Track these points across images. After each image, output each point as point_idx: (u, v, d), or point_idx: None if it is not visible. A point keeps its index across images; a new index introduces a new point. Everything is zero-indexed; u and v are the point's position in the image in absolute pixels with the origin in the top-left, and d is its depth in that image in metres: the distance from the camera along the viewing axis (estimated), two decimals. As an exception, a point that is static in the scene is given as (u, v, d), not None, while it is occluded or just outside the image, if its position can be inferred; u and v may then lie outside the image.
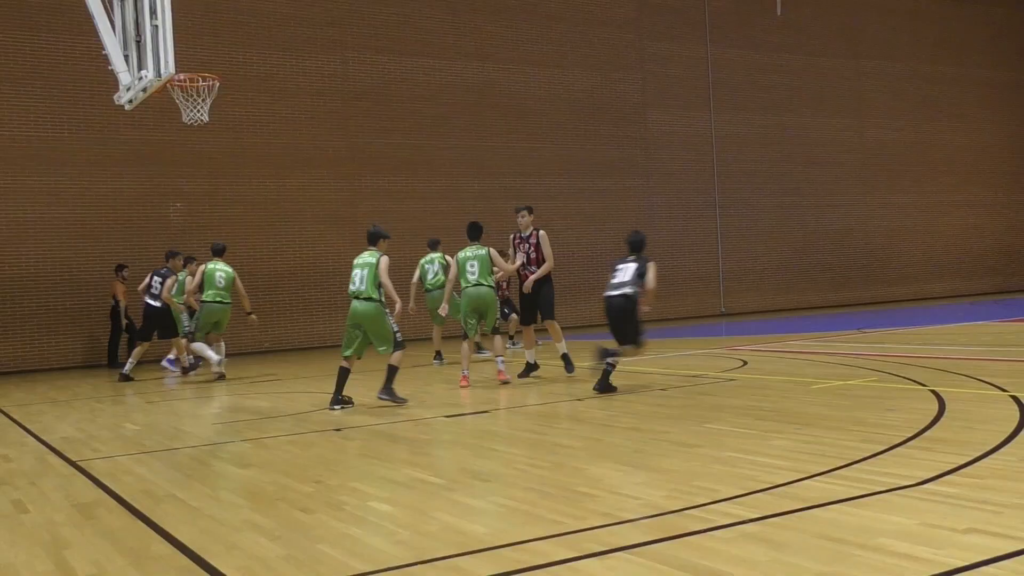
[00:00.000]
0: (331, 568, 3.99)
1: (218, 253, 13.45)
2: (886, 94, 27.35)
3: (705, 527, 4.28)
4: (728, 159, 24.65)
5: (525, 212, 11.44)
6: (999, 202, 29.28)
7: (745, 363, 11.65)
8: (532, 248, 11.20)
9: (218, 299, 13.14)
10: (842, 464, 5.41)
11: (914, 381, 8.88)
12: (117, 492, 5.85)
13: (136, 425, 9.18)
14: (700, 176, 24.26)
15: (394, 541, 4.36)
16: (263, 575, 3.96)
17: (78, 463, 7.02)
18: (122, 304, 17.26)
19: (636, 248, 9.79)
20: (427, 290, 14.04)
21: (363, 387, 11.45)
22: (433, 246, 14.43)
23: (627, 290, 9.42)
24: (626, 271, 9.59)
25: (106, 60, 10.89)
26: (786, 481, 5.06)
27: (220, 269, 13.24)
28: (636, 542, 4.10)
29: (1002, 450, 5.55)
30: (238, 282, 13.31)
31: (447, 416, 8.55)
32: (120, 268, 17.41)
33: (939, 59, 28.18)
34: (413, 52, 20.88)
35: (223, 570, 4.04)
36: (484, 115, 21.63)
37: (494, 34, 21.83)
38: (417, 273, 14.25)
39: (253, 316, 13.54)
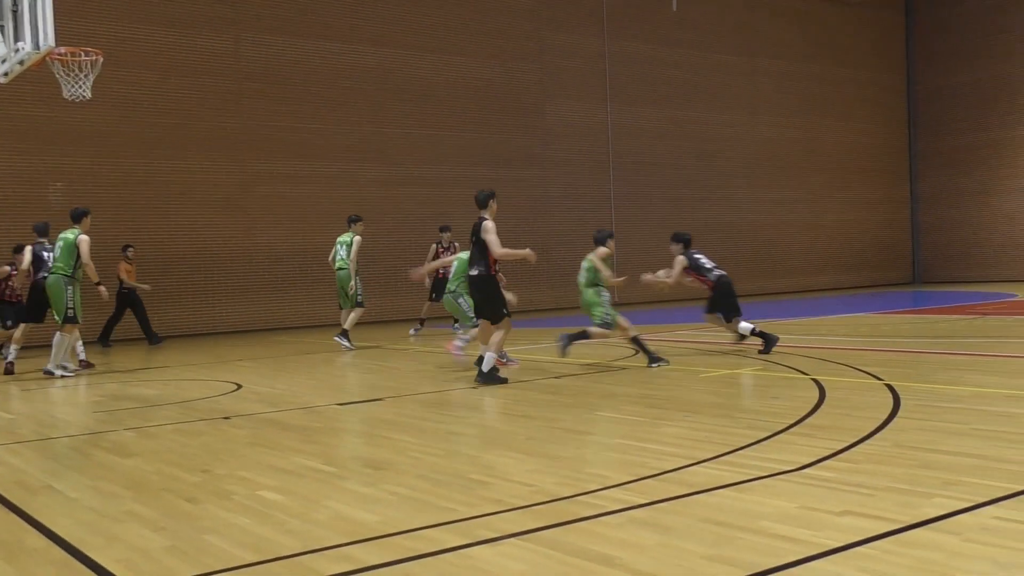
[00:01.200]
0: (217, 558, 3.90)
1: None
2: (776, 92, 28.17)
3: (595, 513, 4.35)
4: (623, 151, 25.01)
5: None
6: (878, 198, 30.54)
7: (637, 352, 11.85)
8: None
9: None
10: (728, 450, 5.56)
11: (797, 370, 9.19)
12: (-11, 483, 5.58)
13: (10, 414, 8.78)
14: (596, 168, 24.55)
15: (284, 530, 4.29)
16: (145, 567, 3.84)
17: (-54, 453, 6.68)
18: (127, 284, 16.63)
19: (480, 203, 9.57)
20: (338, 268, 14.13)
21: (254, 373, 11.23)
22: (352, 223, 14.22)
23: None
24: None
25: (-20, 30, 10.35)
26: (674, 467, 5.18)
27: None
28: (527, 528, 4.14)
29: (876, 436, 5.80)
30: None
31: (340, 404, 8.45)
32: (126, 248, 16.77)
33: (825, 59, 29.16)
34: (310, 34, 20.48)
35: (102, 563, 3.90)
36: (382, 100, 21.39)
37: (394, 19, 21.59)
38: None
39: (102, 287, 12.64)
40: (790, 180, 28.36)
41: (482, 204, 9.53)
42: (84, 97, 11.57)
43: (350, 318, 13.95)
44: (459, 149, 22.31)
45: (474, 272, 9.42)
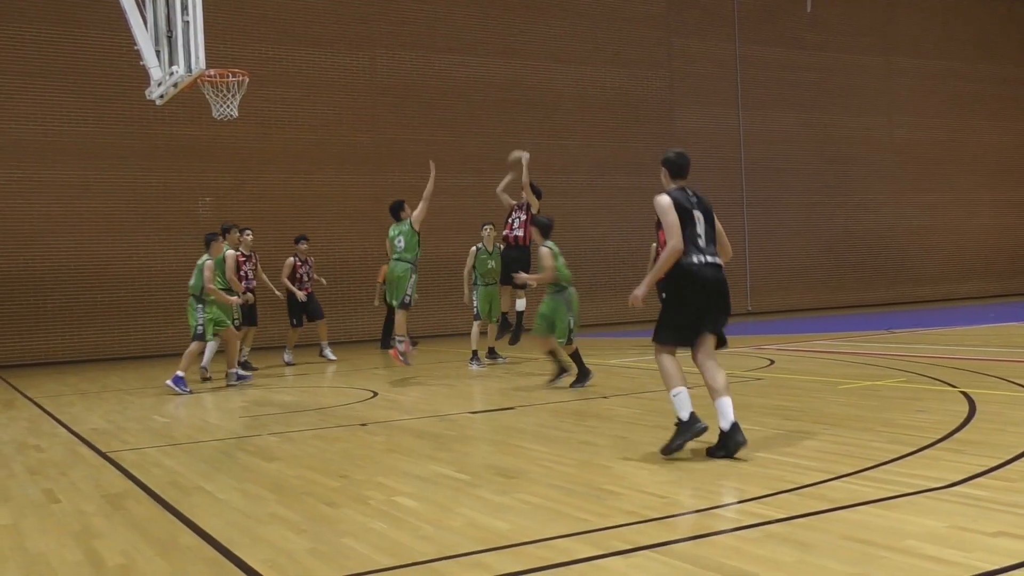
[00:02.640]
0: (356, 562, 4.01)
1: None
2: (916, 92, 27.06)
3: (731, 527, 4.26)
4: (756, 157, 24.49)
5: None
6: (1029, 200, 28.91)
7: (772, 362, 11.57)
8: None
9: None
10: (870, 465, 5.36)
11: (944, 382, 8.78)
12: (146, 483, 5.91)
13: (164, 417, 9.27)
14: (727, 174, 24.11)
15: (418, 536, 4.38)
16: (289, 568, 3.98)
17: (108, 454, 7.10)
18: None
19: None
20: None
21: (386, 382, 11.50)
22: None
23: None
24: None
25: (137, 55, 10.99)
26: (813, 482, 5.02)
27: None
28: (661, 541, 4.09)
29: (1034, 453, 5.48)
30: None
31: (472, 412, 8.56)
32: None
33: (970, 57, 27.83)
34: (441, 48, 20.91)
35: (249, 562, 4.07)
36: (511, 111, 21.61)
37: (521, 30, 21.81)
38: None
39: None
40: (934, 183, 27.16)
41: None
42: (231, 116, 12.12)
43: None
44: (587, 158, 22.30)
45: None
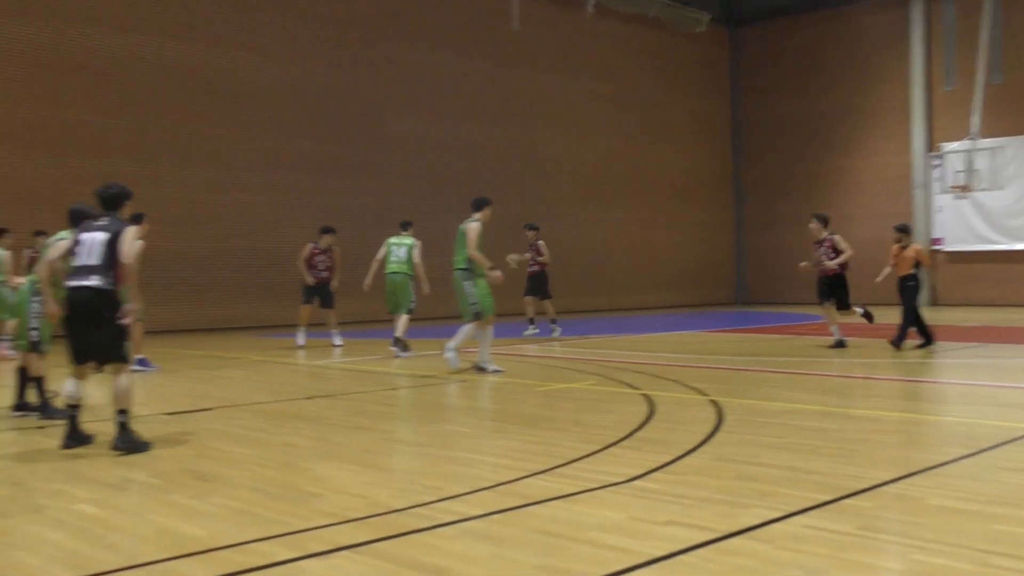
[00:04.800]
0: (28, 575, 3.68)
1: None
2: (609, 115, 28.97)
3: (429, 524, 4.36)
4: (459, 168, 25.01)
5: (815, 220, 14.10)
6: (704, 221, 31.92)
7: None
8: (829, 249, 13.59)
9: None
10: (561, 463, 5.70)
11: (629, 385, 9.50)
12: None
13: None
14: (434, 182, 24.42)
15: (102, 546, 4.10)
16: (-54, 587, 3.58)
17: None
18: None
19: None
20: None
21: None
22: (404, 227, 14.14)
23: None
24: None
25: None
26: (509, 479, 5.26)
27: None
28: (360, 541, 4.11)
29: (700, 449, 6.08)
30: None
31: (167, 414, 8.12)
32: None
33: (656, 86, 30.26)
34: (137, 29, 19.62)
35: None
36: (215, 102, 20.73)
37: (231, 19, 20.98)
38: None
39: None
40: (620, 201, 29.19)
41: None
42: None
43: (403, 325, 13.36)
44: (293, 156, 21.90)
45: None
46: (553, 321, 16.67)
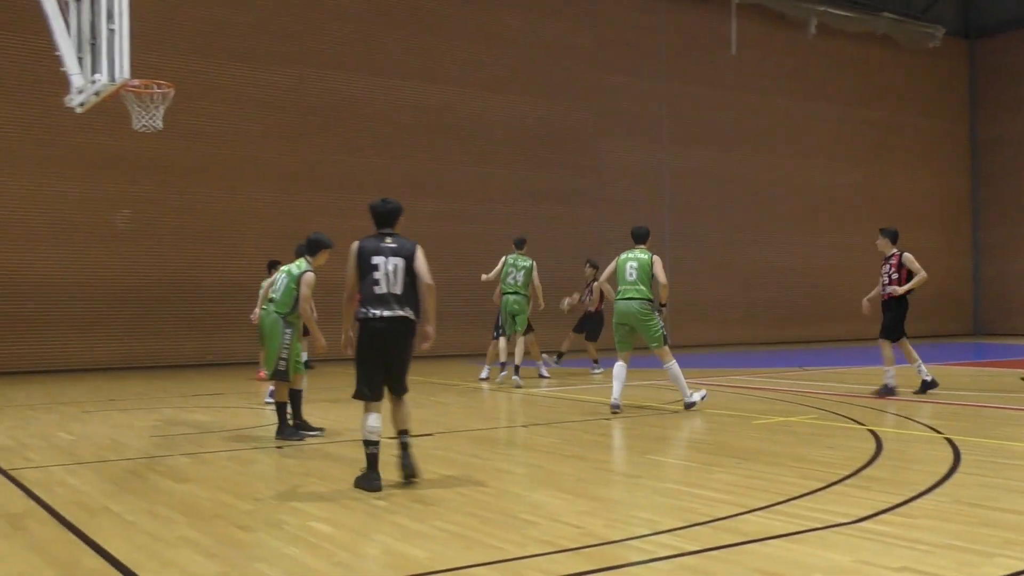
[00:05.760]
0: (268, 588, 3.94)
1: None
2: (833, 136, 27.93)
3: (644, 558, 4.31)
4: (679, 192, 24.94)
5: (881, 236, 12.26)
6: (938, 247, 30.00)
7: (688, 395, 11.75)
8: (894, 268, 11.89)
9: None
10: (781, 500, 5.48)
11: (853, 420, 9.03)
12: (48, 503, 5.71)
13: (71, 435, 8.97)
14: (651, 208, 24.47)
15: (333, 562, 4.32)
16: (198, 593, 3.89)
17: (9, 472, 6.84)
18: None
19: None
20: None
21: (309, 404, 11.34)
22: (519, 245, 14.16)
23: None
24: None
25: (58, 61, 10.71)
26: (726, 515, 5.11)
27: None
28: (576, 571, 4.11)
29: (935, 491, 5.67)
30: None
31: (390, 438, 8.48)
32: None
33: (885, 105, 28.87)
34: (370, 70, 20.85)
35: (156, 587, 3.96)
36: (439, 137, 21.64)
37: (451, 57, 21.90)
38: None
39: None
40: (847, 225, 28.00)
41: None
42: (155, 128, 11.87)
43: (525, 347, 13.62)
44: (515, 187, 22.44)
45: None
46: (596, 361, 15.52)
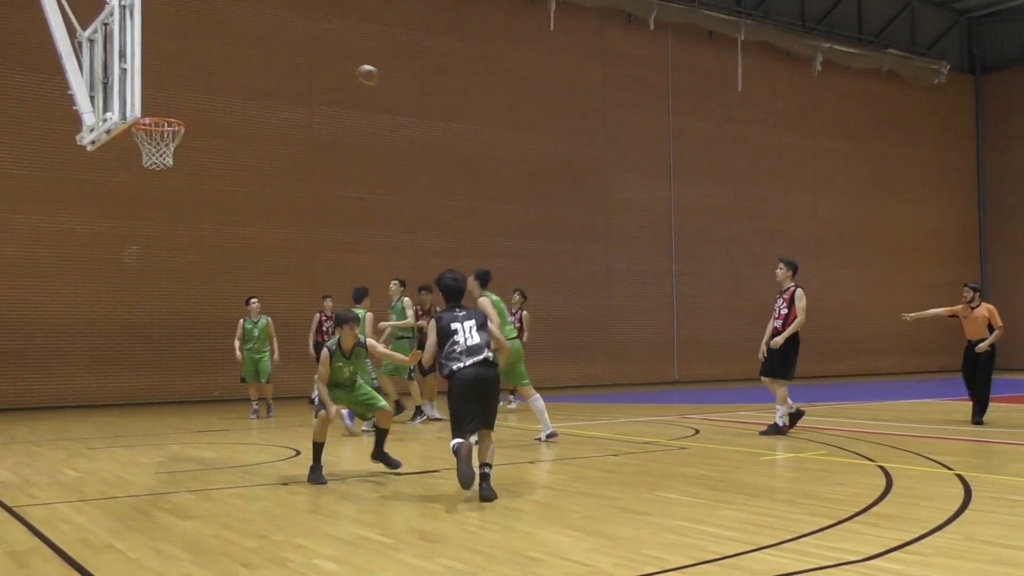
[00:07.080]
0: (271, 627, 3.90)
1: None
2: (839, 171, 28.01)
3: (653, 597, 4.26)
4: (686, 228, 25.01)
5: (782, 266, 11.27)
6: (947, 281, 29.92)
7: (697, 432, 11.69)
8: (785, 304, 11.03)
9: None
10: (790, 537, 5.42)
11: (862, 456, 8.96)
12: (53, 540, 5.68)
13: (76, 471, 8.95)
14: (658, 243, 24.56)
15: (337, 601, 4.28)
16: (201, 632, 3.85)
17: (13, 509, 6.82)
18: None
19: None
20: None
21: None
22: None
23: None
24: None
25: (70, 100, 10.83)
26: (735, 552, 5.06)
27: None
28: (583, 610, 4.06)
29: (947, 528, 5.61)
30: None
31: (396, 474, 8.44)
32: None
33: (892, 140, 28.98)
34: (379, 108, 21.03)
35: (159, 626, 3.93)
36: (447, 173, 21.78)
37: (460, 94, 22.09)
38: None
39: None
40: (855, 260, 28.00)
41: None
42: (165, 165, 11.96)
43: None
44: (521, 222, 22.53)
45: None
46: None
